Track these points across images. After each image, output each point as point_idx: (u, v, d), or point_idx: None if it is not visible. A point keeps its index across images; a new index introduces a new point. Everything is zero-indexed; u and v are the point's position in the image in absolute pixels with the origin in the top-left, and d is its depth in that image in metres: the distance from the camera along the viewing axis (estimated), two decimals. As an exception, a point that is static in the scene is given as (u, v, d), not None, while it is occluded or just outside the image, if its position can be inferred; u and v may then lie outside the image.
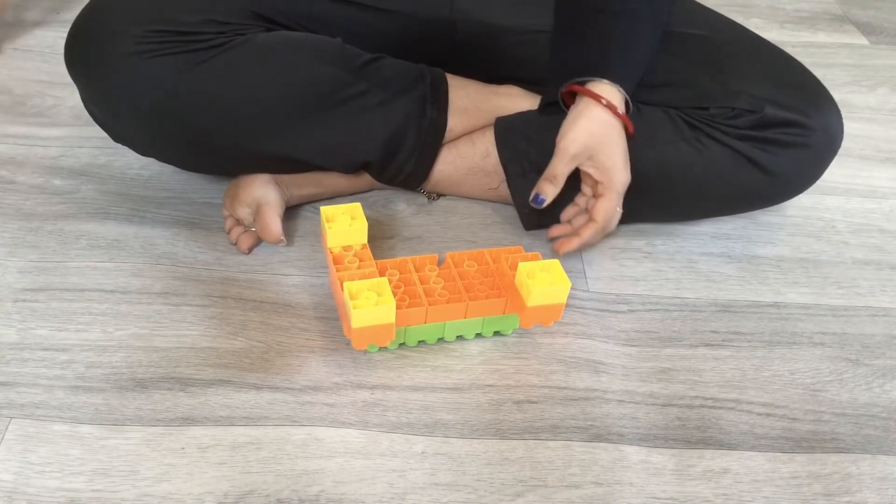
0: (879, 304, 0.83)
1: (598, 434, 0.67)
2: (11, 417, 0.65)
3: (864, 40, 1.36)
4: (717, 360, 0.75)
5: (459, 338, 0.75)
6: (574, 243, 0.79)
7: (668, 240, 0.88)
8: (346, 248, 0.73)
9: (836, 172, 1.00)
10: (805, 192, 0.85)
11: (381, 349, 0.73)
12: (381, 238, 0.86)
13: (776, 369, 0.75)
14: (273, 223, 0.79)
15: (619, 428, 0.68)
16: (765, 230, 0.91)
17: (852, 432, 0.69)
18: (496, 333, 0.75)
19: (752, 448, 0.67)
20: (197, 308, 0.76)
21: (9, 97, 1.03)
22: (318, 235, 0.85)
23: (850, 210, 0.96)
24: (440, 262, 0.75)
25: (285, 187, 0.83)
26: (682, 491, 0.64)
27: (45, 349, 0.71)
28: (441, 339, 0.74)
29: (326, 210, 0.73)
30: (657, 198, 0.83)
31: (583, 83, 0.75)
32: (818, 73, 0.86)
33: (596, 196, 0.78)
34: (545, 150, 0.77)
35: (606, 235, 0.83)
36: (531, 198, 0.78)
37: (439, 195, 0.91)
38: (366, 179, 0.88)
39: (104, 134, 0.80)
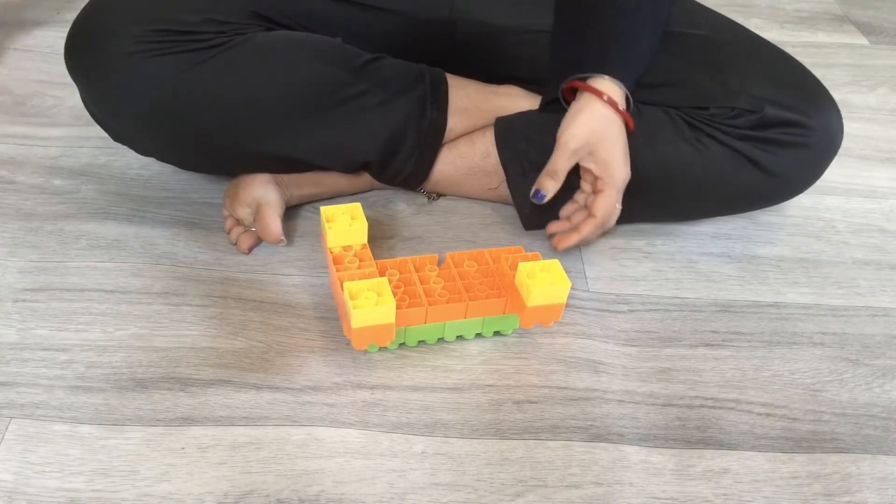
0: (879, 304, 0.83)
1: (598, 434, 0.67)
2: (11, 417, 0.65)
3: (864, 40, 1.36)
4: (717, 360, 0.75)
5: (459, 338, 0.75)
6: (573, 239, 0.79)
7: (668, 240, 0.88)
8: (346, 248, 0.73)
9: (836, 172, 1.00)
10: (805, 192, 0.85)
11: (381, 349, 0.73)
12: (381, 238, 0.86)
13: (776, 369, 0.75)
14: (273, 223, 0.79)
15: (619, 428, 0.68)
16: (765, 230, 0.91)
17: (852, 432, 0.69)
18: (496, 333, 0.75)
19: (752, 448, 0.67)
20: (197, 308, 0.76)
21: (9, 97, 1.03)
22: (318, 235, 0.85)
23: (850, 210, 0.96)
24: (440, 262, 0.75)
25: (285, 187, 0.83)
26: (682, 491, 0.64)
27: (45, 349, 0.71)
28: (441, 339, 0.74)
29: (326, 210, 0.73)
30: (657, 198, 0.83)
31: (584, 79, 0.75)
32: (818, 73, 0.86)
33: (595, 192, 0.78)
34: (545, 150, 0.77)
35: (605, 233, 0.83)
36: (532, 193, 0.78)
37: (439, 195, 0.91)
38: (366, 179, 0.88)
39: (104, 134, 0.80)
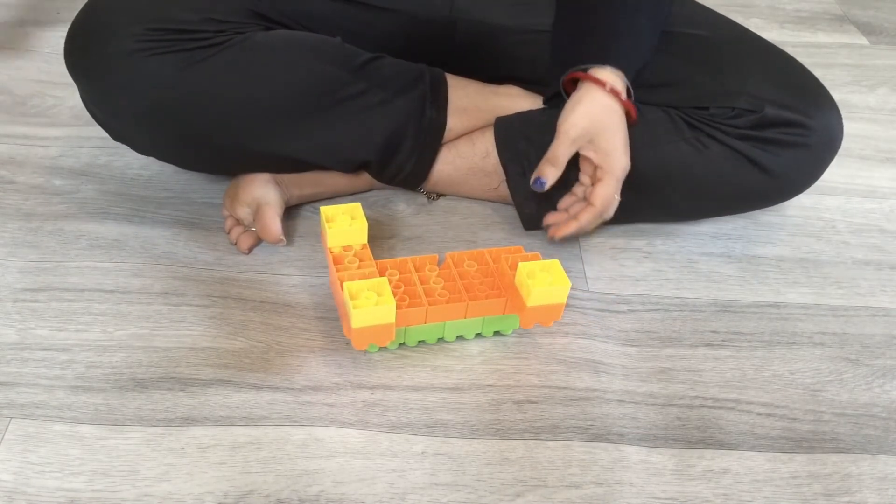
0: (879, 304, 0.83)
1: (598, 434, 0.67)
2: (11, 417, 0.65)
3: (864, 40, 1.36)
4: (717, 360, 0.75)
5: (459, 338, 0.75)
6: (571, 227, 0.78)
7: (668, 240, 0.88)
8: (346, 248, 0.73)
9: (836, 172, 1.00)
10: (805, 192, 0.85)
11: (381, 349, 0.73)
12: (381, 238, 0.86)
13: (776, 369, 0.75)
14: (273, 223, 0.79)
15: (619, 428, 0.68)
16: (765, 230, 0.91)
17: (852, 432, 0.69)
18: (496, 333, 0.75)
19: (752, 448, 0.67)
20: (197, 308, 0.76)
21: (9, 97, 1.03)
22: (318, 235, 0.85)
23: (850, 210, 0.96)
24: (440, 262, 0.75)
25: (285, 187, 0.83)
26: (682, 491, 0.64)
27: (45, 349, 0.71)
28: (441, 339, 0.74)
29: (326, 210, 0.73)
30: (657, 198, 0.83)
31: (585, 69, 0.75)
32: (818, 73, 0.86)
33: (594, 182, 0.77)
34: (545, 150, 0.77)
35: (603, 224, 0.82)
36: (532, 181, 0.77)
37: (439, 195, 0.91)
38: (366, 179, 0.88)
39: (104, 134, 0.80)
